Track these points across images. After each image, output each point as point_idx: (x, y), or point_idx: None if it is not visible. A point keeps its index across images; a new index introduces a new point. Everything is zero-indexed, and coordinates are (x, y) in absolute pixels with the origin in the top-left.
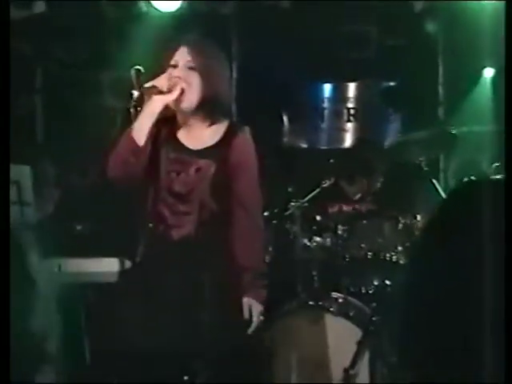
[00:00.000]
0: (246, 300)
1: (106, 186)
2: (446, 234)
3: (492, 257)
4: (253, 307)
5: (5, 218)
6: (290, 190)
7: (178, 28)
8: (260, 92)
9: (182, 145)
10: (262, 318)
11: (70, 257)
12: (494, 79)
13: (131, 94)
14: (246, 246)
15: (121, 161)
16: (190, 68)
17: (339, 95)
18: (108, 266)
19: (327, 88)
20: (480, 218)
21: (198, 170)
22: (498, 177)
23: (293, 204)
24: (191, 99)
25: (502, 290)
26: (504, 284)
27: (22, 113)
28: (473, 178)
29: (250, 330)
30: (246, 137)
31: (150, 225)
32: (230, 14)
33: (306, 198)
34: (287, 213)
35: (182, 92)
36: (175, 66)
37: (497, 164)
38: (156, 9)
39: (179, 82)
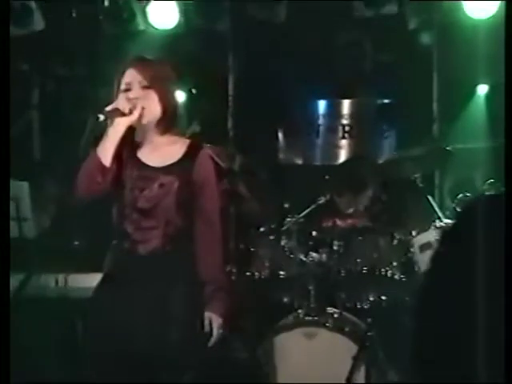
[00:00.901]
0: (206, 313)
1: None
2: (457, 248)
3: (492, 271)
4: (212, 320)
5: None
6: (286, 205)
7: (175, 45)
8: (256, 108)
9: (143, 163)
10: (221, 331)
11: (68, 272)
12: (488, 96)
13: (97, 118)
14: (206, 260)
15: (89, 181)
16: (145, 87)
17: (334, 112)
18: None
19: (322, 105)
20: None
21: (161, 185)
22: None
23: (289, 220)
24: (152, 115)
25: (503, 301)
26: (504, 286)
27: (20, 129)
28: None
29: (210, 343)
30: (207, 154)
31: (114, 241)
32: (226, 30)
33: (302, 214)
34: (283, 228)
35: (142, 111)
36: (129, 89)
37: (491, 180)
38: (153, 26)
39: (138, 102)
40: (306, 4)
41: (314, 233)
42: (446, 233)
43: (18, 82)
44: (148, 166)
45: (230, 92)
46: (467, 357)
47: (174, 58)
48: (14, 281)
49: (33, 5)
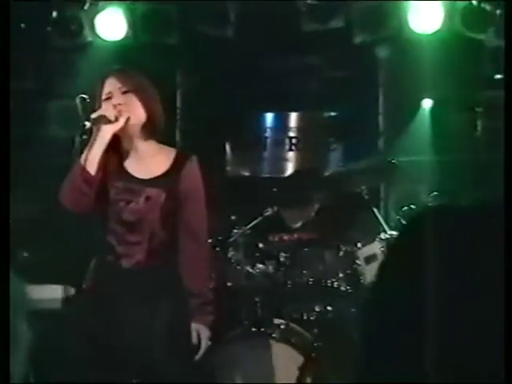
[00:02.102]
0: (193, 325)
1: (54, 214)
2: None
3: (437, 282)
4: (201, 332)
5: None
6: (233, 217)
7: (123, 57)
8: (204, 121)
9: (130, 174)
10: (209, 343)
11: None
12: (433, 110)
13: (83, 125)
14: (192, 273)
15: (74, 190)
16: (125, 92)
17: (281, 125)
18: (52, 293)
19: (270, 118)
20: (425, 246)
21: (147, 198)
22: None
23: (236, 231)
24: (136, 120)
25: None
26: (504, 288)
27: None
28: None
29: (199, 355)
30: (193, 166)
31: (98, 254)
32: (174, 44)
33: (249, 226)
34: (230, 240)
35: (127, 118)
36: (110, 98)
37: (435, 193)
38: (101, 38)
39: (123, 109)
40: (255, 19)
41: (260, 245)
42: (390, 244)
43: None
44: (135, 177)
45: (178, 105)
46: (415, 367)
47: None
48: None
49: None
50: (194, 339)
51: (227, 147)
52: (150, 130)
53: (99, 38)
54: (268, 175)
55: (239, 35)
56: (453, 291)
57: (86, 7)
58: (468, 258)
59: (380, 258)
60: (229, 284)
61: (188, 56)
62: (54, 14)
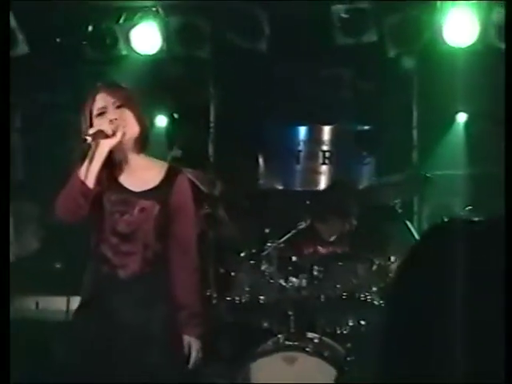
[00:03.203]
0: (185, 337)
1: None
2: (419, 273)
3: (464, 296)
4: (192, 343)
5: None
6: (266, 230)
7: (158, 70)
8: (236, 134)
9: (123, 187)
10: (200, 354)
11: (48, 295)
12: (467, 124)
13: (85, 140)
14: (181, 285)
15: (70, 202)
16: (118, 106)
17: (314, 138)
18: (58, 305)
19: (303, 131)
20: (453, 258)
21: (142, 210)
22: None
23: (269, 245)
24: (131, 133)
25: (479, 324)
26: (504, 289)
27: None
28: (445, 219)
29: (190, 365)
30: (185, 179)
31: (92, 265)
32: (207, 58)
33: (283, 239)
34: (264, 253)
35: (123, 132)
36: (103, 112)
37: (469, 207)
38: (136, 52)
39: (119, 123)
40: (288, 33)
41: (294, 258)
42: (418, 255)
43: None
44: (128, 190)
45: (212, 118)
46: (443, 378)
47: (156, 83)
48: None
49: (17, 29)
50: (186, 351)
51: (260, 160)
52: (142, 144)
53: (134, 51)
54: (301, 188)
55: (272, 48)
56: (479, 301)
57: (121, 21)
58: (494, 268)
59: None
60: (262, 297)
61: (221, 69)
62: (90, 27)
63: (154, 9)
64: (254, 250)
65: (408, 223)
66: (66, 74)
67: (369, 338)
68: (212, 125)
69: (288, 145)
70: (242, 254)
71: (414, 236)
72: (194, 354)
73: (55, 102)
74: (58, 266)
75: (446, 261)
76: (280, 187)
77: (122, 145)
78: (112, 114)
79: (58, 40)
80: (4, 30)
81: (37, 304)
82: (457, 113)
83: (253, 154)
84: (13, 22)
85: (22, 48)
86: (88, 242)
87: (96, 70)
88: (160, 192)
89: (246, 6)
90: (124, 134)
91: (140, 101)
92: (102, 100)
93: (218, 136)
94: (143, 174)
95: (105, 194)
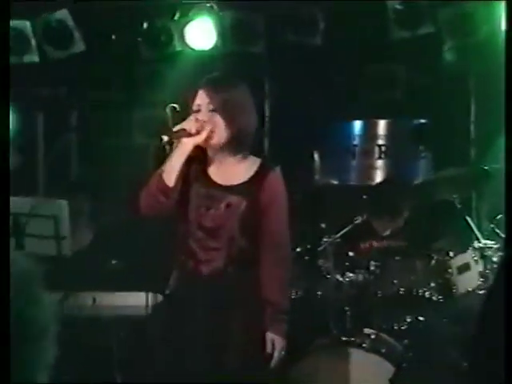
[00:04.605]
0: (268, 335)
1: (138, 222)
2: None
3: None
4: (275, 342)
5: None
6: (322, 226)
7: (212, 67)
8: (292, 130)
9: (212, 181)
10: (283, 352)
11: (105, 290)
12: None
13: (161, 139)
14: (271, 282)
15: (151, 200)
16: (212, 110)
17: (370, 133)
18: (137, 301)
19: (358, 126)
20: None
21: (228, 205)
22: None
23: (325, 240)
24: (218, 138)
25: None
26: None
27: (59, 150)
28: None
29: (273, 364)
30: (277, 176)
31: (182, 257)
32: (262, 53)
33: (339, 234)
34: (320, 249)
35: (210, 133)
36: (198, 110)
37: None
38: (190, 48)
39: (206, 124)
40: (343, 27)
41: (350, 253)
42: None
43: (58, 105)
44: (217, 183)
45: (266, 114)
46: None
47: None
48: (52, 299)
49: (73, 27)
50: (269, 349)
51: (315, 156)
52: (234, 148)
53: (188, 47)
54: (357, 183)
55: (328, 43)
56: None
57: (175, 18)
58: None
59: (472, 267)
60: (318, 293)
61: (276, 65)
62: (145, 24)
63: (208, 5)
64: (309, 246)
65: (467, 218)
66: (121, 72)
67: (427, 335)
68: (267, 120)
69: (343, 140)
70: (298, 250)
71: (473, 231)
72: (277, 353)
73: (110, 99)
74: (113, 262)
75: None
76: (336, 182)
77: (210, 146)
78: (203, 115)
79: (113, 37)
80: (4, 29)
81: (94, 300)
82: None
83: (308, 150)
84: (69, 21)
85: (78, 46)
86: (142, 239)
87: (151, 66)
88: (248, 188)
89: (301, 0)
90: (210, 136)
91: (243, 100)
92: (200, 98)
93: (273, 132)
94: (233, 169)
95: (193, 186)
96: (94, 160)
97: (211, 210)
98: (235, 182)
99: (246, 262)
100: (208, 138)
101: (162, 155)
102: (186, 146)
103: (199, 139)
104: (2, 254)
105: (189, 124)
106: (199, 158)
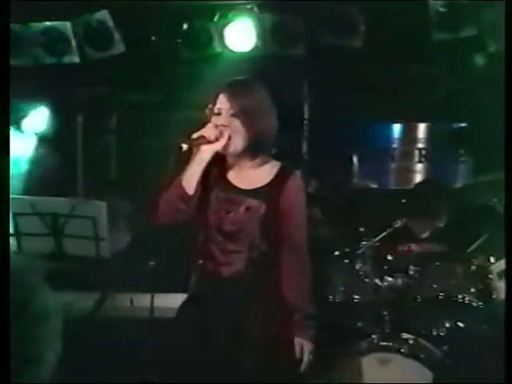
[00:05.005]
0: (296, 340)
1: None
2: None
3: None
4: (304, 346)
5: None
6: (361, 229)
7: (251, 68)
8: (331, 133)
9: (232, 185)
10: (311, 356)
11: (142, 292)
12: None
13: (180, 148)
14: (294, 287)
15: (171, 208)
16: (232, 115)
17: (409, 136)
18: (174, 302)
19: (397, 129)
20: None
21: (247, 209)
22: None
23: (364, 243)
24: (237, 143)
25: None
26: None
27: (98, 151)
28: None
29: (302, 368)
30: (297, 180)
31: (200, 261)
32: (302, 55)
33: (378, 238)
34: (358, 252)
35: (229, 139)
36: (219, 114)
37: None
38: (230, 49)
39: (225, 130)
40: (382, 28)
41: (389, 257)
42: None
43: (97, 105)
44: (236, 187)
45: (306, 116)
46: None
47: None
48: (90, 300)
49: (113, 28)
50: (298, 354)
51: (354, 159)
52: (254, 151)
53: (228, 49)
54: (396, 187)
55: (367, 44)
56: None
57: (215, 19)
58: None
59: None
60: (356, 297)
61: (315, 67)
62: (185, 26)
63: (248, 6)
64: (348, 249)
65: None
66: (160, 73)
67: (466, 341)
68: (306, 123)
69: (382, 143)
70: (337, 253)
71: None
72: (306, 358)
73: (149, 100)
74: (151, 263)
75: None
76: (375, 186)
77: (229, 151)
78: (223, 119)
79: (152, 38)
80: (4, 30)
81: (131, 301)
82: None
83: (347, 152)
84: (110, 22)
85: (118, 47)
86: (180, 240)
87: (190, 68)
88: (268, 191)
89: (341, 2)
90: (229, 143)
91: (260, 107)
92: (221, 101)
93: (312, 134)
94: (253, 172)
95: (213, 190)
96: (132, 161)
97: (231, 213)
98: (255, 186)
99: (266, 265)
100: (227, 144)
101: (182, 162)
102: (205, 153)
103: (218, 146)
104: (1, 254)
105: (208, 131)
106: (219, 163)
